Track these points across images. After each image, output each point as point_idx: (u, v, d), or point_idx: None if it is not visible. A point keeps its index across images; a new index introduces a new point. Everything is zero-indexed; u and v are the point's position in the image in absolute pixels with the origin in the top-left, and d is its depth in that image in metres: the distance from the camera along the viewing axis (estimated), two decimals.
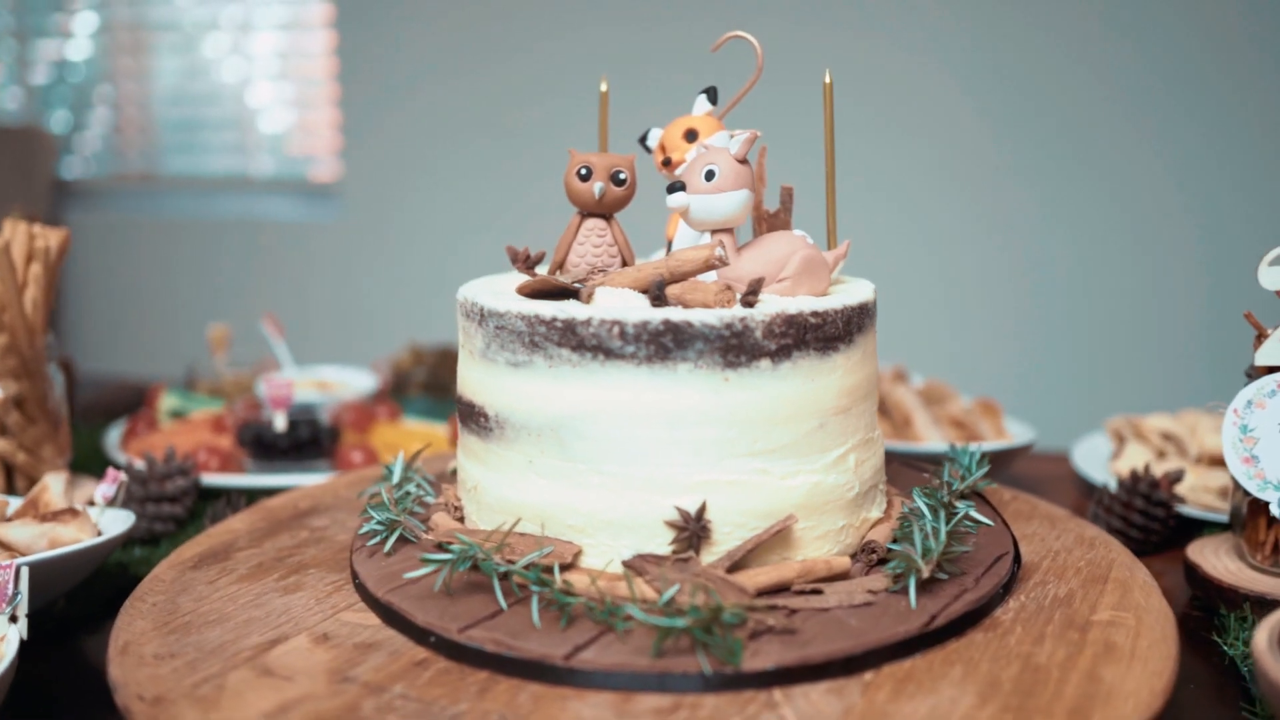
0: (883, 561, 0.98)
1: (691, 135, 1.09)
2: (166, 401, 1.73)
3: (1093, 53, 2.77)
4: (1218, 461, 1.50)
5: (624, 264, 1.09)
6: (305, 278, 3.64)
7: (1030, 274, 2.91)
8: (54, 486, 1.23)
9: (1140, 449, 1.55)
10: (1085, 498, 1.53)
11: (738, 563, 0.92)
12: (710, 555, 0.93)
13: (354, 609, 0.96)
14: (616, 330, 0.91)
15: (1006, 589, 0.97)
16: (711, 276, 1.00)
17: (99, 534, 1.14)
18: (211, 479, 1.43)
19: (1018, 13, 2.82)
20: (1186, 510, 1.36)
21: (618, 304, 0.94)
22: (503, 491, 0.98)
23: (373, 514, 1.05)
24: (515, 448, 0.97)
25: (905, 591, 0.92)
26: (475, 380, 1.00)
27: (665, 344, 0.91)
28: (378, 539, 1.04)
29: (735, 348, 0.91)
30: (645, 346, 0.91)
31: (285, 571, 1.04)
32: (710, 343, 0.91)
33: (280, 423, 1.50)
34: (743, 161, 1.01)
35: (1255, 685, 0.98)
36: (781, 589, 0.92)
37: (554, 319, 0.93)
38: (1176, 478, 1.35)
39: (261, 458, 1.51)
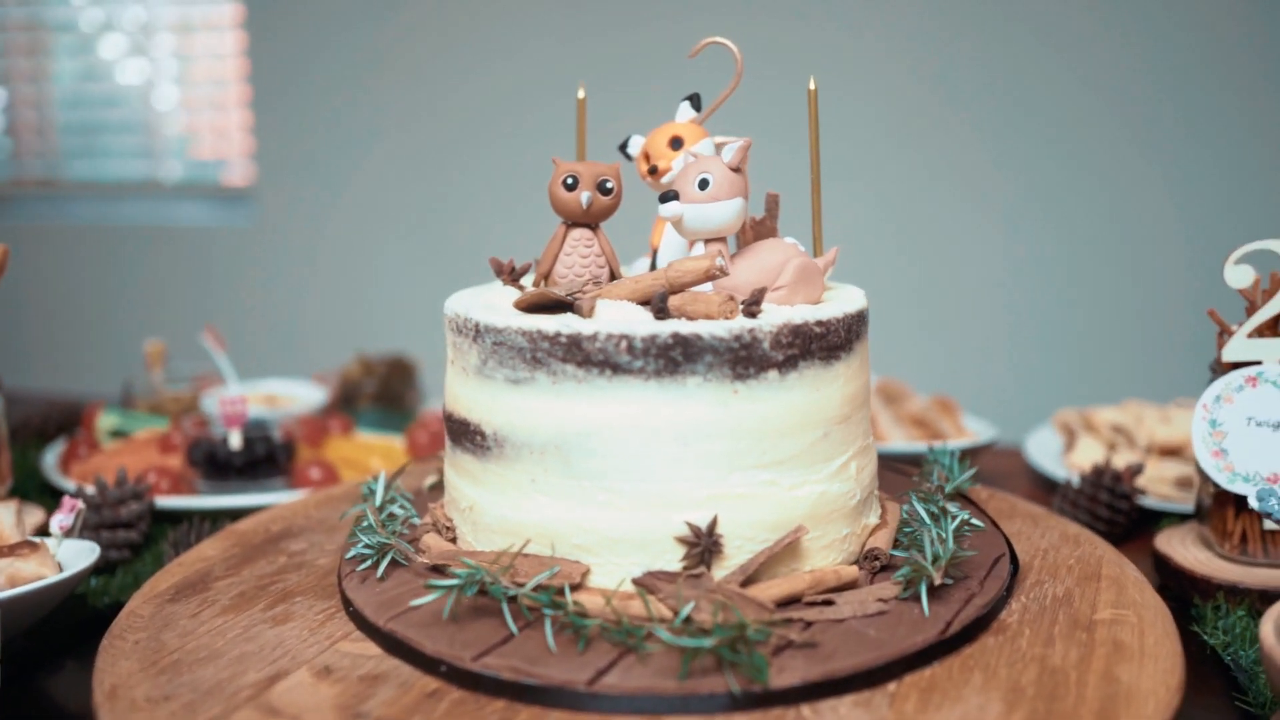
0: (884, 568, 0.99)
1: (677, 143, 1.08)
2: (105, 420, 1.66)
3: (1055, 49, 2.79)
4: (1168, 451, 1.54)
5: (612, 275, 1.07)
6: (223, 285, 3.53)
7: (972, 270, 2.94)
8: (4, 518, 1.17)
9: (1092, 442, 1.58)
10: (1041, 491, 1.56)
11: (750, 576, 0.91)
12: (721, 570, 0.92)
13: (351, 639, 0.93)
14: (624, 344, 0.89)
15: (1009, 591, 0.98)
16: (706, 287, 0.99)
17: (60, 568, 1.09)
18: (165, 501, 1.37)
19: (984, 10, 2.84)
20: (1148, 502, 1.39)
21: (620, 317, 0.92)
22: (503, 512, 0.96)
23: (361, 537, 1.02)
24: (516, 467, 0.94)
25: (915, 599, 0.92)
26: (470, 398, 0.98)
27: (674, 357, 0.89)
28: (368, 563, 1.00)
29: (744, 359, 0.90)
30: (654, 360, 0.89)
31: (270, 601, 1.00)
32: (719, 355, 0.90)
33: (235, 440, 1.45)
34: (736, 170, 1.00)
35: (1241, 674, 1.00)
36: (793, 601, 0.92)
37: (558, 334, 0.90)
38: (1138, 470, 1.38)
39: (215, 477, 1.45)
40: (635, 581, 0.90)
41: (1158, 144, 2.76)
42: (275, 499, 1.39)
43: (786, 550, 0.93)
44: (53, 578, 1.03)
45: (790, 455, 0.93)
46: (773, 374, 0.91)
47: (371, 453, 1.57)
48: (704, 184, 0.99)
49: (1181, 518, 1.39)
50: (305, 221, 3.45)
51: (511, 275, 1.08)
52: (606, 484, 0.91)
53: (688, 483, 0.91)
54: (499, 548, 0.96)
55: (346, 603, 0.96)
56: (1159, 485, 1.44)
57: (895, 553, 0.98)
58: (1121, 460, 1.51)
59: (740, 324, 0.90)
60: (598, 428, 0.91)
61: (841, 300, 1.02)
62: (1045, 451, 1.61)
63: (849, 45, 2.89)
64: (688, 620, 0.85)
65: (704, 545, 0.90)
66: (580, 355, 0.90)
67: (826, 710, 0.81)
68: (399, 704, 0.82)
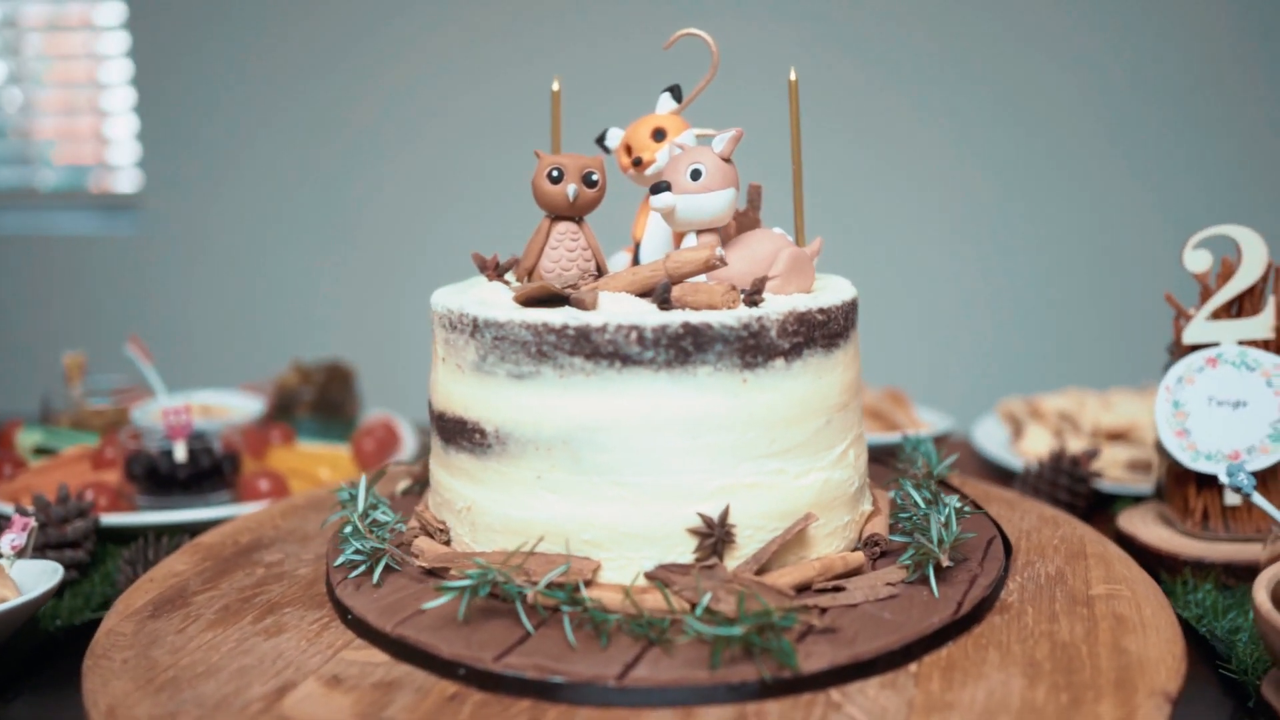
0: (884, 554, 0.99)
1: (659, 134, 1.07)
2: (26, 438, 1.58)
3: (1014, 37, 2.82)
4: (1113, 436, 1.59)
5: (598, 268, 1.06)
6: (115, 296, 3.39)
7: (911, 265, 2.98)
8: None
9: (1040, 430, 1.62)
10: (992, 479, 1.59)
11: (763, 565, 0.91)
12: (733, 560, 0.91)
13: (353, 647, 0.89)
14: (634, 335, 0.88)
15: (1006, 571, 0.99)
16: (700, 278, 0.98)
17: (18, 590, 1.03)
18: (110, 519, 1.31)
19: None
20: (1103, 485, 1.43)
21: (624, 309, 0.91)
22: (506, 511, 0.93)
23: (354, 543, 0.98)
24: (521, 464, 0.92)
25: (921, 582, 0.93)
26: (466, 395, 0.95)
27: (685, 347, 0.88)
28: (360, 570, 0.97)
29: (753, 348, 0.90)
30: (664, 351, 0.88)
31: (258, 613, 0.96)
32: (729, 344, 0.89)
33: (180, 453, 1.39)
34: (727, 160, 0.99)
35: (1219, 643, 1.03)
36: (804, 589, 0.92)
37: (565, 326, 0.89)
38: (1093, 455, 1.42)
39: (158, 492, 1.39)
40: (649, 575, 0.89)
41: (1101, 142, 2.82)
42: (224, 513, 1.33)
43: (795, 539, 0.93)
44: (16, 600, 0.97)
45: (797, 444, 0.93)
46: (779, 362, 0.91)
47: (318, 462, 1.52)
48: (696, 174, 0.98)
49: (1135, 499, 1.43)
50: (192, 229, 3.33)
51: (496, 270, 1.06)
52: (617, 478, 0.90)
53: (698, 474, 0.90)
54: (501, 547, 0.94)
55: (344, 611, 0.93)
56: (1112, 469, 1.48)
57: (896, 538, 0.99)
58: (1070, 446, 1.55)
59: (748, 313, 0.90)
60: (607, 421, 0.89)
61: (834, 289, 1.02)
62: (992, 440, 1.65)
63: (819, 36, 2.89)
64: (709, 611, 0.84)
65: (717, 536, 0.90)
66: (589, 348, 0.88)
67: (855, 693, 0.80)
68: (420, 709, 0.79)
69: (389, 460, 1.59)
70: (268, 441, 1.57)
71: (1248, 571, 1.17)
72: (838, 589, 0.92)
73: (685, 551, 0.90)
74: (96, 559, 1.27)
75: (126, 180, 3.45)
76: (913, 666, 0.84)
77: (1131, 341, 2.71)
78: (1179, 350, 1.24)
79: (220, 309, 3.33)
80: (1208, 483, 1.22)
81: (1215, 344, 1.20)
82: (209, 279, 3.35)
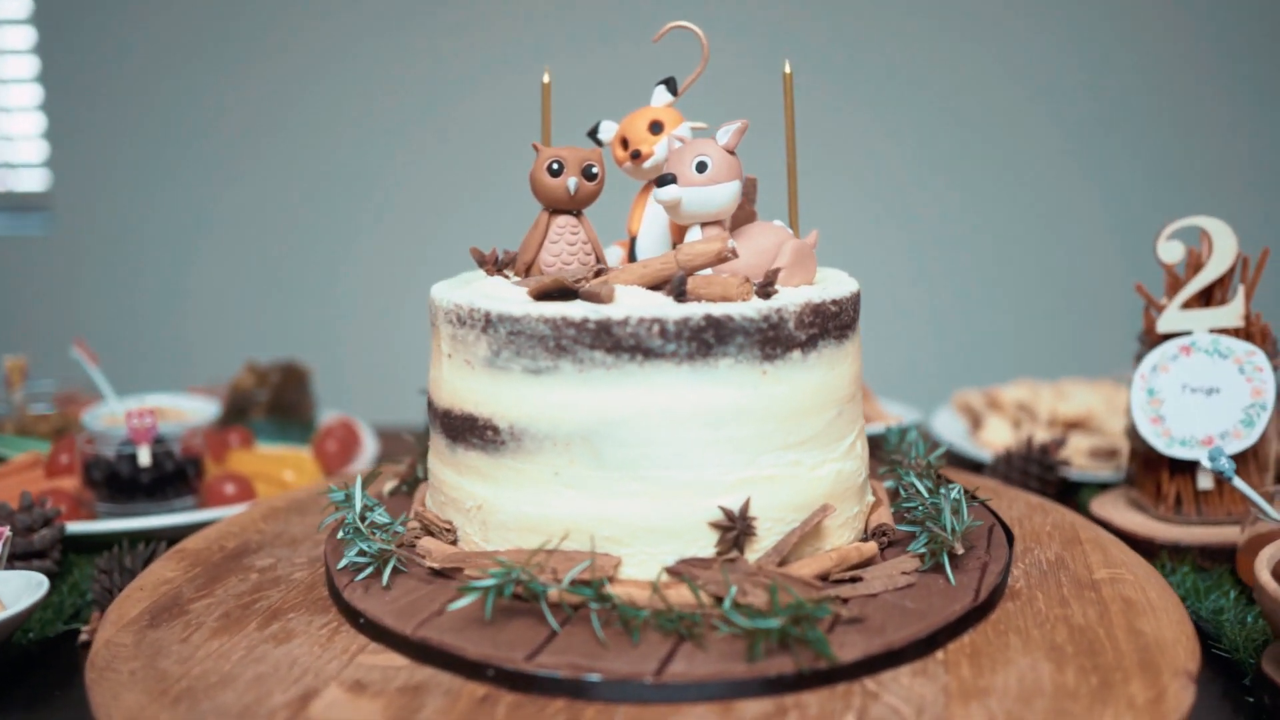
0: (891, 543, 1.00)
1: (657, 127, 1.06)
2: None
3: (973, 29, 2.82)
4: (1070, 424, 1.63)
5: (598, 261, 1.05)
6: (25, 299, 3.25)
7: (867, 258, 2.97)
8: None
9: (999, 420, 1.65)
10: (954, 469, 1.61)
11: (785, 557, 0.91)
12: (753, 553, 0.91)
13: (369, 651, 0.87)
14: (656, 328, 0.87)
15: (1010, 558, 1.01)
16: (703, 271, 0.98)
17: (1, 603, 0.98)
18: (76, 527, 1.26)
19: None
20: (1072, 473, 1.46)
21: (643, 301, 0.90)
22: (521, 508, 0.92)
23: (360, 545, 0.95)
24: (537, 460, 0.91)
25: (933, 570, 0.94)
26: (477, 391, 0.93)
27: (707, 340, 0.88)
28: (367, 572, 0.94)
29: (772, 340, 0.90)
30: (686, 344, 0.87)
31: (262, 619, 0.93)
32: (750, 336, 0.89)
33: (144, 457, 1.34)
34: (731, 152, 0.99)
35: (1206, 624, 1.06)
36: (823, 580, 0.92)
37: (585, 320, 0.87)
38: (1060, 443, 1.45)
39: (121, 498, 1.34)
40: (671, 570, 0.88)
41: (1055, 139, 2.83)
42: (193, 518, 1.29)
43: (810, 531, 0.93)
44: (5, 612, 0.93)
45: (812, 435, 0.93)
46: (796, 354, 0.91)
47: (282, 465, 1.48)
48: (702, 167, 0.98)
49: (1100, 486, 1.46)
50: (105, 229, 3.20)
51: (495, 265, 1.04)
52: (637, 473, 0.89)
53: (718, 467, 0.89)
54: (516, 546, 0.92)
55: (355, 615, 0.90)
56: (1076, 457, 1.51)
57: (904, 528, 1.00)
58: (1026, 435, 1.58)
59: (768, 305, 0.89)
60: (628, 415, 0.88)
61: (836, 280, 1.03)
62: (951, 432, 1.67)
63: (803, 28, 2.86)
64: (737, 604, 0.84)
65: (738, 529, 0.89)
66: (610, 341, 0.87)
67: (889, 681, 0.81)
68: (453, 713, 0.77)
69: (352, 461, 1.56)
70: (226, 445, 1.52)
71: (1223, 554, 1.20)
72: (855, 579, 0.92)
73: (706, 545, 0.90)
74: (66, 569, 1.22)
75: (33, 179, 3.32)
76: (939, 654, 0.85)
77: (1081, 332, 2.76)
78: (1151, 339, 1.27)
79: (144, 311, 3.21)
80: (1181, 468, 1.25)
81: (1188, 332, 1.23)
82: (128, 281, 3.22)
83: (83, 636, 1.07)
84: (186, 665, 0.85)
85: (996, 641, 0.87)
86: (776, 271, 0.94)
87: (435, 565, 0.94)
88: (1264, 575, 0.92)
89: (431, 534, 1.00)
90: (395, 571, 0.95)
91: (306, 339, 2.70)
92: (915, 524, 0.99)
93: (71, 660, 1.05)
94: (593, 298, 0.90)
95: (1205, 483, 1.24)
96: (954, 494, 1.01)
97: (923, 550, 0.95)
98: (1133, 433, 1.30)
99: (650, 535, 0.89)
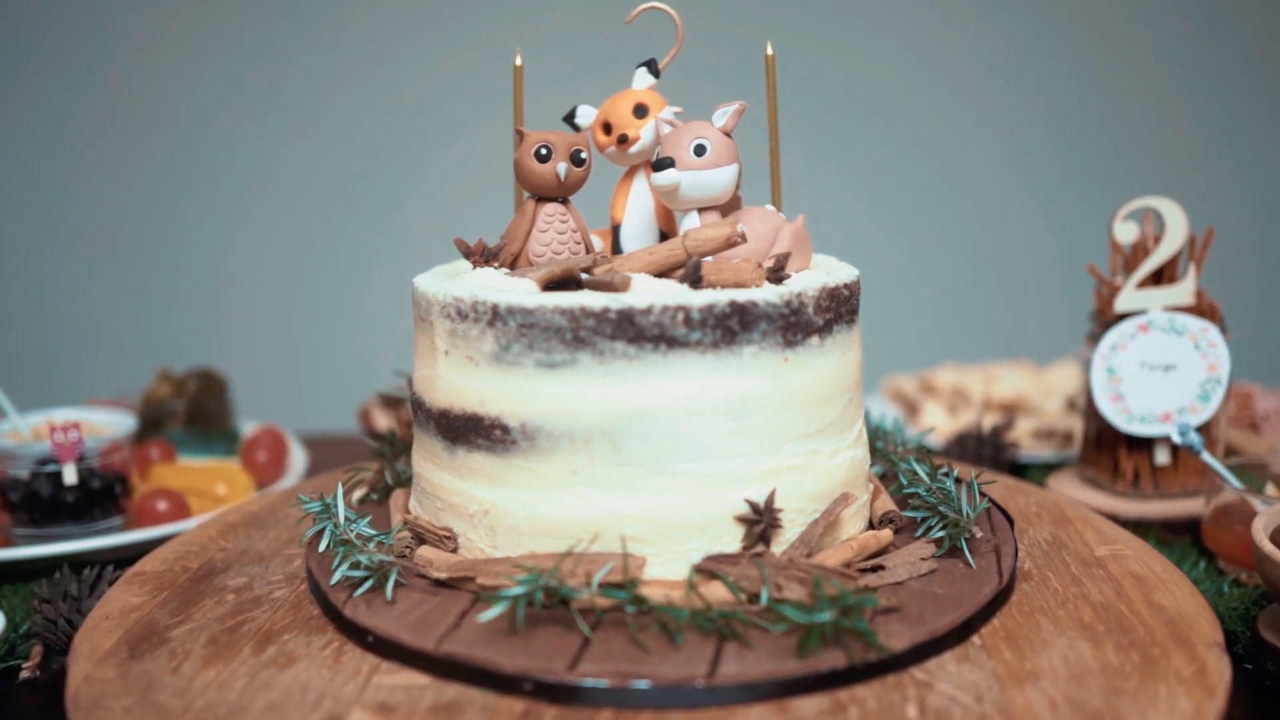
0: (898, 530, 0.99)
1: (641, 110, 1.02)
2: None
3: (913, 10, 2.79)
4: (1004, 407, 1.65)
5: (588, 250, 1.01)
6: None
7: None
8: None
9: (935, 406, 1.66)
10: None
11: (811, 549, 0.88)
12: (778, 546, 0.88)
13: (384, 671, 0.81)
14: (681, 316, 0.83)
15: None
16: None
17: None
18: (3, 554, 1.15)
19: None
20: (1023, 455, 1.48)
21: (660, 289, 0.87)
22: (535, 511, 0.87)
23: (357, 558, 0.89)
24: (553, 459, 0.86)
25: (952, 555, 0.93)
26: (483, 389, 0.88)
27: (731, 327, 0.85)
28: (366, 586, 0.88)
29: (793, 326, 0.87)
30: (711, 332, 0.84)
31: (255, 644, 0.86)
32: (773, 322, 0.86)
33: (70, 475, 1.23)
34: (728, 134, 0.96)
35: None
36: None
37: (605, 310, 0.83)
38: (1009, 425, 1.47)
39: (44, 521, 1.23)
40: (700, 568, 0.85)
41: (973, 130, 2.82)
42: (128, 539, 1.20)
43: (832, 520, 0.91)
44: None
45: (829, 422, 0.91)
46: (814, 340, 0.89)
47: (213, 478, 1.38)
48: (700, 150, 0.95)
49: (1045, 468, 1.48)
50: None
51: (484, 257, 0.99)
52: (661, 468, 0.85)
53: (743, 458, 0.86)
54: (530, 550, 0.88)
55: (361, 633, 0.84)
56: (1020, 438, 1.53)
57: (911, 514, 0.99)
58: (963, 419, 1.60)
59: (788, 290, 0.87)
60: (652, 408, 0.84)
61: (834, 265, 1.01)
62: (883, 418, 1.67)
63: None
64: (776, 600, 0.81)
65: (765, 522, 0.87)
66: (632, 331, 0.83)
67: (936, 670, 0.79)
68: None
69: (284, 472, 1.48)
70: (148, 459, 1.42)
71: (1184, 527, 1.23)
72: (879, 568, 0.90)
73: (732, 541, 0.87)
74: None
75: None
76: (975, 639, 0.84)
77: (1000, 315, 2.77)
78: (1104, 319, 1.29)
79: (23, 321, 2.97)
80: (1137, 444, 1.28)
81: (1142, 311, 1.26)
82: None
83: (24, 674, 0.98)
84: (186, 698, 0.77)
85: (1026, 624, 0.86)
86: (787, 256, 0.91)
87: (441, 576, 0.88)
88: (1265, 543, 0.93)
89: (425, 542, 0.94)
90: (394, 584, 0.89)
91: (211, 345, 2.55)
92: (925, 509, 0.98)
93: (10, 702, 0.95)
94: (607, 287, 0.86)
95: (1163, 458, 1.27)
96: (954, 475, 1.00)
97: (940, 535, 0.94)
98: (1088, 411, 1.32)
99: (675, 532, 0.86)
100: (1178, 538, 1.23)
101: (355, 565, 0.90)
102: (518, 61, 1.07)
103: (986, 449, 1.42)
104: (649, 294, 0.84)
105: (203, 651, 0.84)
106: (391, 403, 1.67)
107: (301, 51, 2.77)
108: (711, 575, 0.84)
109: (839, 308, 0.91)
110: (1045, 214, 2.72)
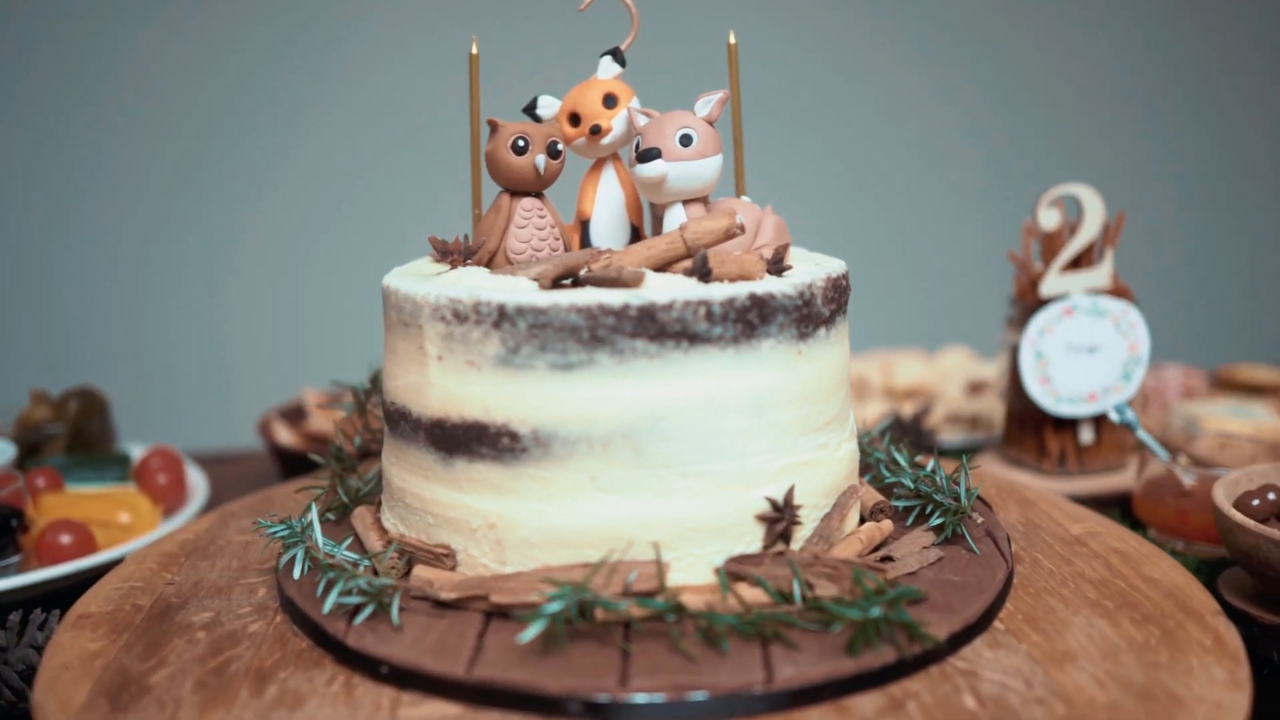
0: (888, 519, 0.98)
1: (611, 100, 0.99)
2: None
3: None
4: (906, 395, 1.69)
5: (566, 246, 0.97)
6: None
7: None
8: None
9: None
10: None
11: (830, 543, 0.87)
12: (795, 543, 0.87)
13: (406, 703, 0.75)
14: (703, 311, 0.81)
15: None
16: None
17: None
18: None
19: None
20: (942, 441, 1.51)
21: (675, 284, 0.83)
22: (549, 521, 0.82)
23: (355, 584, 0.83)
24: (568, 466, 0.82)
25: (952, 541, 0.94)
26: (487, 395, 0.83)
27: (751, 321, 0.82)
28: (367, 613, 0.82)
29: (806, 318, 0.86)
30: (732, 326, 0.82)
31: (251, 685, 0.78)
32: (789, 315, 0.84)
33: None
34: (711, 124, 0.94)
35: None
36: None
37: (625, 307, 0.79)
38: (927, 412, 1.50)
39: None
40: (724, 570, 0.82)
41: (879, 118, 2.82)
42: (32, 579, 1.09)
43: (834, 514, 0.90)
44: None
45: (834, 415, 0.90)
46: (822, 331, 0.88)
47: (113, 506, 1.26)
48: (687, 140, 0.92)
49: (959, 452, 1.52)
50: None
51: (462, 255, 0.93)
52: (683, 469, 0.82)
53: (762, 455, 0.84)
54: (543, 563, 0.83)
55: (374, 663, 0.78)
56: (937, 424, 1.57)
57: (905, 504, 0.99)
58: (874, 409, 1.63)
59: (800, 281, 0.85)
60: (673, 407, 0.81)
61: (803, 255, 1.00)
62: None
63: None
64: (812, 598, 0.79)
65: (786, 520, 0.85)
66: (654, 328, 0.80)
67: (973, 657, 0.79)
68: None
69: (187, 496, 1.37)
70: (34, 489, 1.29)
71: (1112, 501, 1.28)
72: (888, 559, 0.90)
73: (753, 541, 0.85)
74: None
75: None
76: (998, 624, 0.84)
77: (886, 302, 2.78)
78: (1026, 305, 1.33)
79: None
80: (1062, 425, 1.33)
81: (1065, 295, 1.30)
82: None
83: None
84: None
85: (1038, 605, 0.88)
86: (786, 247, 0.90)
87: (449, 596, 0.83)
88: (1232, 511, 0.97)
89: (418, 562, 0.88)
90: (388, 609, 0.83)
91: (85, 363, 2.34)
92: (916, 498, 0.98)
93: None
94: (619, 283, 0.82)
95: (1087, 436, 1.32)
96: (935, 462, 1.01)
97: (940, 522, 0.94)
98: (1011, 393, 1.36)
99: (698, 535, 0.83)
100: (1106, 511, 1.27)
101: (348, 591, 0.83)
102: (473, 50, 1.02)
103: (909, 436, 1.44)
104: (668, 289, 0.81)
105: (194, 698, 0.76)
106: (292, 415, 1.57)
107: (223, 46, 2.57)
108: (739, 577, 0.82)
109: (840, 298, 0.90)
110: (960, 202, 2.70)
